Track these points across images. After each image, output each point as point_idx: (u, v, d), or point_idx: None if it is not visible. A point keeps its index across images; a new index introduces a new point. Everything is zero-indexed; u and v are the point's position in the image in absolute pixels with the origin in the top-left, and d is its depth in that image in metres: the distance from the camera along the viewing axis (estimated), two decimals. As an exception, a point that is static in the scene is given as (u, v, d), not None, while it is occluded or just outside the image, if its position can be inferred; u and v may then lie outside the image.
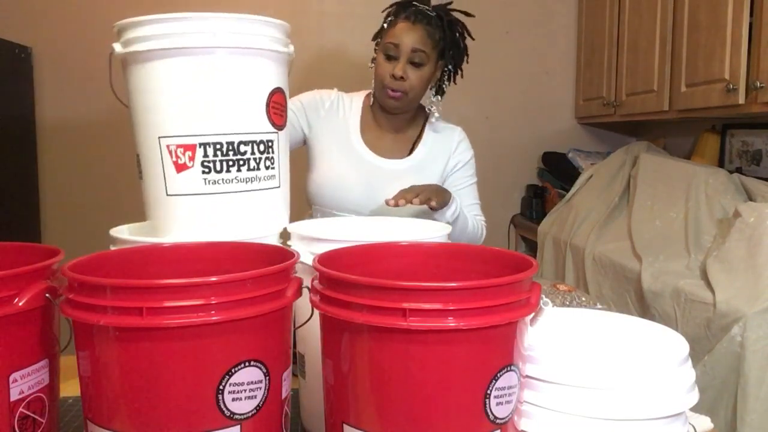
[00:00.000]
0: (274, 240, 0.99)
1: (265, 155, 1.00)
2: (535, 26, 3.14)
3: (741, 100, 1.98)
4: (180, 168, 0.96)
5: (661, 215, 2.23)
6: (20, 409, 0.70)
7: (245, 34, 0.96)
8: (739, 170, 2.41)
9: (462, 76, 1.65)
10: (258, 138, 0.99)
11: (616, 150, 2.85)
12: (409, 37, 1.50)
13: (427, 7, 1.54)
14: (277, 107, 1.02)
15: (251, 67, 0.98)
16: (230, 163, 0.97)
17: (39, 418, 0.73)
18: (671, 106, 2.42)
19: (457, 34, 1.58)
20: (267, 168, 1.01)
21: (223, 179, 0.97)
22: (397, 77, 1.51)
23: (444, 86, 1.63)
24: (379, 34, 1.60)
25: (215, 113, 0.96)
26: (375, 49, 1.61)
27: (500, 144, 3.13)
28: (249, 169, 0.98)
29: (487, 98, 3.04)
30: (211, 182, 0.96)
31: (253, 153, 0.98)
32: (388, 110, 1.59)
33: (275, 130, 1.02)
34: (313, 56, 2.93)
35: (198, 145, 0.95)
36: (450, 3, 1.60)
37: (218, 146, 0.96)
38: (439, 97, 1.64)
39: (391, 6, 1.58)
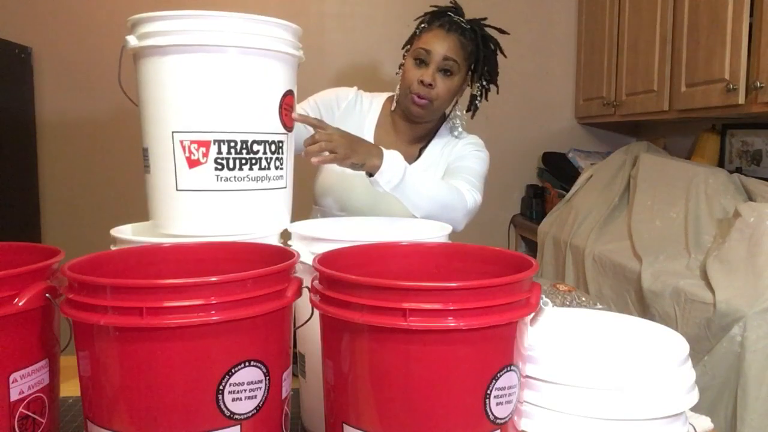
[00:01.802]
0: (274, 240, 1.00)
1: (276, 155, 1.02)
2: (535, 26, 3.14)
3: (741, 100, 1.98)
4: (193, 164, 0.97)
5: (661, 215, 2.23)
6: (20, 409, 0.70)
7: (265, 36, 0.97)
8: (739, 170, 2.41)
9: (498, 93, 1.61)
10: (270, 138, 1.01)
11: (616, 150, 2.85)
12: (441, 44, 1.48)
13: (462, 19, 1.52)
14: (288, 109, 1.04)
15: (267, 68, 1.00)
16: (243, 161, 0.98)
17: (39, 418, 0.73)
18: (671, 106, 2.42)
19: (491, 51, 1.55)
20: (276, 168, 1.02)
21: (235, 177, 0.98)
22: (426, 83, 1.47)
23: (477, 102, 1.60)
24: (410, 41, 1.58)
25: (231, 111, 0.97)
26: (404, 56, 1.58)
27: (500, 144, 3.12)
28: (260, 169, 1.00)
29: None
30: (223, 179, 0.97)
31: (264, 153, 1.00)
32: (411, 118, 1.55)
33: (285, 132, 1.04)
34: (313, 57, 2.93)
35: (213, 142, 0.96)
36: (485, 19, 1.57)
37: (232, 144, 0.97)
38: (463, 113, 1.61)
39: (425, 14, 1.56)
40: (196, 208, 0.99)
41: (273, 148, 1.01)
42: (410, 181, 1.30)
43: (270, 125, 1.01)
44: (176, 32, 0.94)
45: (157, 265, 0.80)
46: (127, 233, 1.03)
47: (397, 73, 1.59)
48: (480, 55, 1.53)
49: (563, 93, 3.23)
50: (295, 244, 0.92)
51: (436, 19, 1.52)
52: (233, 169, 0.97)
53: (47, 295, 0.70)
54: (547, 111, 3.22)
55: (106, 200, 2.90)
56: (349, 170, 1.28)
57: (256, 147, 0.99)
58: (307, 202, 1.65)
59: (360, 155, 1.24)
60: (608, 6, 2.86)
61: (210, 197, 0.98)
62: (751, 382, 1.56)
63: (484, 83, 1.58)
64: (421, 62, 1.50)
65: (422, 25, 1.55)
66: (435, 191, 1.37)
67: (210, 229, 0.98)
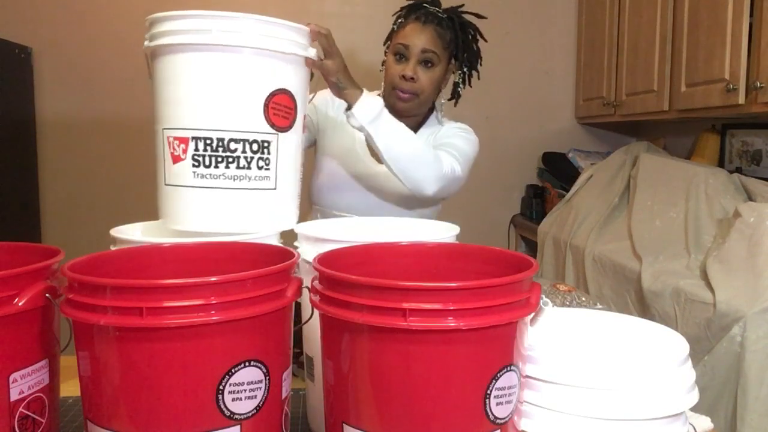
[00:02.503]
0: (274, 240, 0.99)
1: (259, 155, 1.00)
2: (535, 26, 3.14)
3: (741, 100, 1.98)
4: (175, 159, 1.00)
5: (661, 215, 2.23)
6: (20, 409, 0.70)
7: (244, 33, 0.97)
8: (739, 170, 2.41)
9: (479, 78, 1.62)
10: (251, 137, 0.99)
11: (616, 150, 2.85)
12: (419, 37, 1.49)
13: (438, 9, 1.53)
14: (278, 109, 1.01)
15: (247, 66, 0.99)
16: (219, 159, 0.98)
17: (39, 418, 0.73)
18: (671, 106, 2.42)
19: (470, 37, 1.57)
20: (260, 168, 1.01)
21: (210, 174, 0.99)
22: (408, 78, 1.48)
23: (459, 89, 1.61)
24: (389, 38, 1.59)
25: (208, 109, 0.98)
26: (385, 53, 1.59)
27: (500, 144, 3.13)
28: (238, 167, 0.99)
29: (487, 98, 3.04)
30: (199, 176, 0.99)
31: (244, 151, 0.99)
32: (399, 113, 1.54)
33: (274, 132, 1.02)
34: (313, 56, 2.93)
35: (191, 139, 0.98)
36: (461, 6, 1.58)
37: (208, 141, 0.98)
38: (444, 101, 1.62)
39: (401, 9, 1.57)
40: (177, 203, 1.02)
41: (255, 147, 1.00)
42: (386, 120, 1.32)
43: (251, 124, 0.99)
44: (161, 34, 0.99)
45: (157, 265, 0.80)
46: (127, 233, 1.03)
47: (380, 70, 1.60)
48: (459, 42, 1.54)
49: (563, 93, 3.23)
50: (301, 245, 0.92)
51: (411, 12, 1.54)
52: (209, 166, 0.98)
53: (47, 295, 0.70)
54: (547, 111, 3.22)
55: (106, 200, 2.90)
56: (342, 174, 1.34)
57: (233, 145, 0.98)
58: (306, 202, 1.65)
59: (348, 79, 1.29)
60: (608, 6, 2.86)
61: (187, 193, 1.00)
62: (751, 382, 1.56)
63: (465, 69, 1.59)
64: (401, 57, 1.51)
65: (399, 20, 1.56)
66: (410, 137, 1.38)
67: (187, 224, 1.01)
